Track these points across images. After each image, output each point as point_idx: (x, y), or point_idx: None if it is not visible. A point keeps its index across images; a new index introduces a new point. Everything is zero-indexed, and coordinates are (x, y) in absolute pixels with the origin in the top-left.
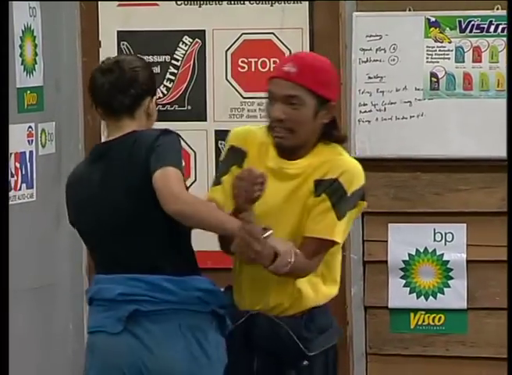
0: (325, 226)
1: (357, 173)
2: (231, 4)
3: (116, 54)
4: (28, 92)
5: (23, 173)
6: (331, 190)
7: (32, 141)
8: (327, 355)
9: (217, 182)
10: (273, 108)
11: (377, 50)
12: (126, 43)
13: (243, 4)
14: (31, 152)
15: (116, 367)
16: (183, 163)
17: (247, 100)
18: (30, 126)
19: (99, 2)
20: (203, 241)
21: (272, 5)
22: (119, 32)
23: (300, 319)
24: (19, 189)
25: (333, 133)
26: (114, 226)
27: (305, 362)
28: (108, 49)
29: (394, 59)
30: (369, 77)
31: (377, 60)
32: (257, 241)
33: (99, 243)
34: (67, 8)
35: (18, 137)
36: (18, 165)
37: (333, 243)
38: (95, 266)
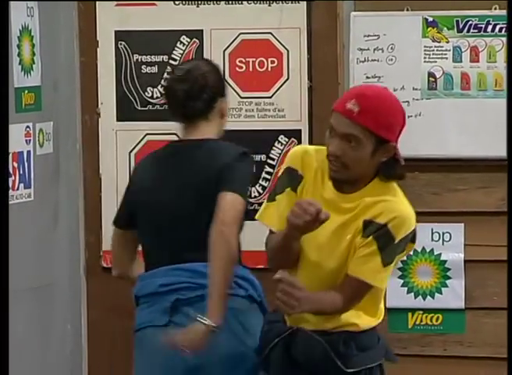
0: (369, 270)
1: (407, 220)
2: (229, 4)
3: (114, 54)
4: (26, 92)
5: (21, 172)
6: (379, 234)
7: (30, 140)
8: (371, 373)
9: (272, 199)
10: (331, 142)
11: (375, 50)
12: (123, 43)
13: (241, 4)
14: (29, 152)
15: (166, 358)
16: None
17: (245, 100)
18: (27, 126)
19: (97, 2)
20: None
21: (269, 5)
22: (116, 32)
23: (339, 336)
24: (17, 189)
25: (390, 171)
26: (172, 219)
27: None
28: (106, 49)
29: (392, 59)
30: (367, 77)
31: (375, 60)
32: (299, 289)
33: (152, 234)
34: (65, 8)
35: (16, 136)
36: (16, 165)
37: (373, 287)
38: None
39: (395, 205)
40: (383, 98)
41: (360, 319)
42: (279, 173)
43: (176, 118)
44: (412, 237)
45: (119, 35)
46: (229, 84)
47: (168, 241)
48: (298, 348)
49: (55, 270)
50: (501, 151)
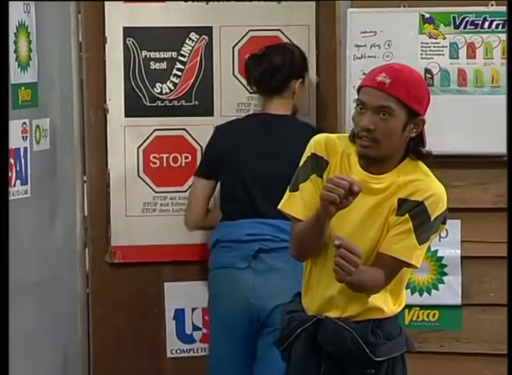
0: (404, 248)
1: (443, 198)
2: (238, 1)
3: (122, 50)
4: (22, 88)
5: (18, 169)
6: (415, 212)
7: (26, 137)
8: (394, 363)
9: (295, 188)
10: (362, 117)
11: (371, 46)
12: (132, 39)
13: (251, 1)
14: (26, 149)
15: (241, 298)
16: None
17: (254, 95)
18: (24, 123)
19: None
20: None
21: (279, 3)
22: (124, 28)
23: (367, 325)
24: (14, 185)
25: (419, 149)
26: (265, 179)
27: (372, 371)
28: (114, 45)
29: (388, 56)
30: (364, 73)
31: (371, 56)
32: (358, 256)
33: (244, 191)
34: (62, 4)
35: (12, 133)
36: (12, 161)
37: (408, 265)
38: (223, 215)
39: (430, 183)
40: (411, 72)
41: (386, 303)
42: (301, 162)
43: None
44: (444, 218)
45: (127, 31)
46: (239, 80)
47: (253, 196)
48: (326, 337)
49: (51, 267)
50: (498, 148)
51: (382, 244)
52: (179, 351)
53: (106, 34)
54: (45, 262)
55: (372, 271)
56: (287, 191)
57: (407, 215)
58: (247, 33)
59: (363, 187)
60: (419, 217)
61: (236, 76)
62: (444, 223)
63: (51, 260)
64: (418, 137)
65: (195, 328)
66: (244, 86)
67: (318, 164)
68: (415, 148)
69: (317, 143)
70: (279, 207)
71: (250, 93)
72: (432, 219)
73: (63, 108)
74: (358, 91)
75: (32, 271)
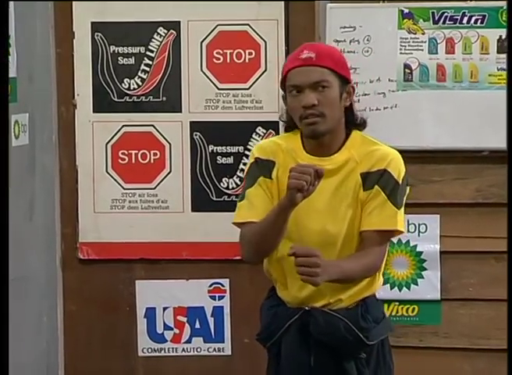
0: (385, 218)
1: (400, 160)
2: None
3: (90, 45)
4: None
5: None
6: (382, 181)
7: None
8: (383, 344)
9: (242, 198)
10: (301, 98)
11: (351, 41)
12: (100, 34)
13: None
14: None
15: None
16: None
17: (222, 91)
18: None
19: None
20: (179, 233)
21: None
22: (93, 23)
23: (356, 310)
24: None
25: (354, 118)
26: None
27: (363, 354)
28: (82, 40)
29: (368, 51)
30: None
31: (351, 51)
32: (316, 256)
33: None
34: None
35: None
36: None
37: (395, 233)
38: None
39: (385, 150)
40: (327, 44)
41: (374, 280)
42: (245, 171)
43: None
44: (407, 180)
45: (95, 26)
46: (207, 76)
47: None
48: (319, 327)
49: (30, 262)
50: (477, 143)
51: (362, 222)
52: (150, 350)
53: (74, 29)
54: (23, 257)
55: (357, 257)
56: (237, 202)
57: (376, 186)
58: (215, 28)
59: None
60: (388, 185)
61: (204, 72)
62: (407, 184)
63: (29, 255)
64: (350, 107)
65: (166, 327)
66: (212, 82)
67: (265, 166)
68: (351, 118)
69: (258, 149)
70: (232, 223)
71: (219, 89)
72: (400, 182)
73: (42, 104)
74: (284, 79)
75: (10, 267)
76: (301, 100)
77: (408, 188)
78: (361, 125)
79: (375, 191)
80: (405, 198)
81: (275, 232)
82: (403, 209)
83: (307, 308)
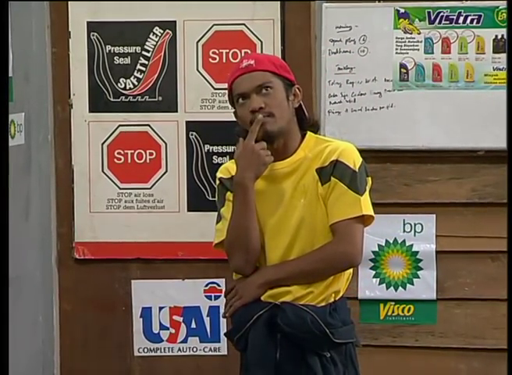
0: (349, 206)
1: (353, 149)
2: None
3: (86, 45)
4: None
5: None
6: (337, 172)
7: None
8: (351, 351)
9: (218, 220)
10: (249, 102)
11: (347, 41)
12: (95, 34)
13: None
14: None
15: None
16: None
17: (218, 91)
18: None
19: None
20: (175, 233)
21: None
22: (88, 23)
23: (325, 308)
24: None
25: (305, 119)
26: None
27: (328, 354)
28: (78, 40)
29: (364, 50)
30: (339, 68)
31: (347, 51)
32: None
33: None
34: None
35: None
36: None
37: (365, 220)
38: None
39: (335, 144)
40: (262, 53)
41: (341, 276)
42: (216, 196)
43: None
44: (366, 170)
45: (91, 26)
46: (203, 75)
47: None
48: (286, 320)
49: (26, 262)
50: (472, 143)
51: (329, 216)
52: (146, 349)
53: (70, 29)
54: (19, 257)
55: (314, 252)
56: (215, 226)
57: (332, 178)
58: (211, 28)
59: (273, 177)
60: (345, 175)
61: (199, 72)
62: (368, 175)
63: (25, 254)
64: (300, 108)
65: (162, 327)
66: (208, 82)
67: (228, 183)
68: (302, 118)
69: (219, 171)
70: (214, 247)
71: (215, 89)
72: (357, 169)
73: (38, 103)
74: (230, 92)
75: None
76: (249, 105)
77: (369, 179)
78: (314, 126)
79: (333, 183)
80: (368, 188)
81: (247, 223)
82: (367, 195)
83: (277, 303)
